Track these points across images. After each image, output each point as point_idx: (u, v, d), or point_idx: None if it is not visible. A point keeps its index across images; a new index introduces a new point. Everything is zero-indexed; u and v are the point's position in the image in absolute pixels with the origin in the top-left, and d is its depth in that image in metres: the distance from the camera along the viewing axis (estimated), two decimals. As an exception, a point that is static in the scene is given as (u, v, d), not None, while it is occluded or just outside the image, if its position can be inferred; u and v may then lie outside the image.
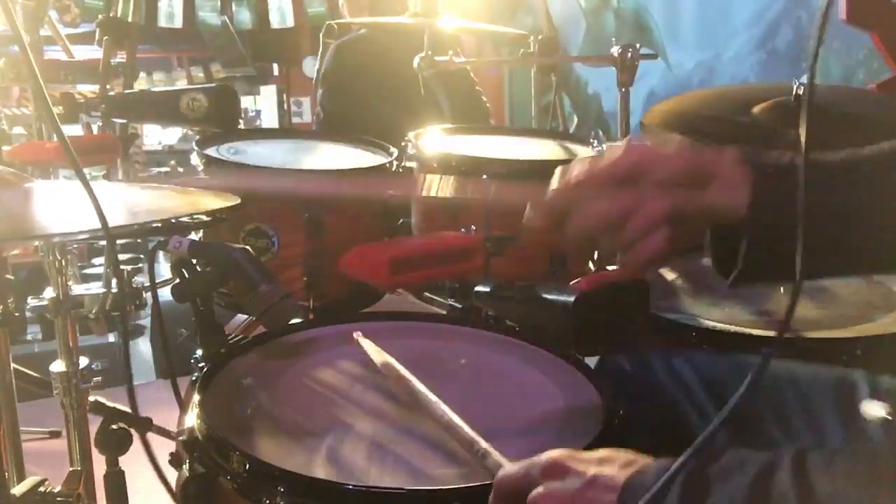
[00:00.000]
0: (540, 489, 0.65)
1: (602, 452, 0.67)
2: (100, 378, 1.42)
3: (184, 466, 0.83)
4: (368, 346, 0.98)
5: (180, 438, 0.82)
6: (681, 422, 0.92)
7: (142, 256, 4.17)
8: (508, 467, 0.70)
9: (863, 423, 0.83)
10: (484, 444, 0.74)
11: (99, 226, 0.77)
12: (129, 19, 1.96)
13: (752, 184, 0.74)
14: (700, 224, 0.79)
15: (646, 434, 0.89)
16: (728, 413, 0.59)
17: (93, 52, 1.87)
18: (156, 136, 5.73)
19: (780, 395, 0.89)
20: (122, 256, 4.09)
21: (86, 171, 0.79)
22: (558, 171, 0.80)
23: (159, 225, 0.99)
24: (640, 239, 0.75)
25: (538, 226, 0.79)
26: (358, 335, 1.00)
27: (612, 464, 0.64)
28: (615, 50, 1.62)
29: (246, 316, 1.50)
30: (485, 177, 1.35)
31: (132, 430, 1.16)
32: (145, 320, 3.87)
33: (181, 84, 5.52)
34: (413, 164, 1.48)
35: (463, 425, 0.78)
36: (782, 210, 0.70)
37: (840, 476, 0.53)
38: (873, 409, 0.84)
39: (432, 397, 0.84)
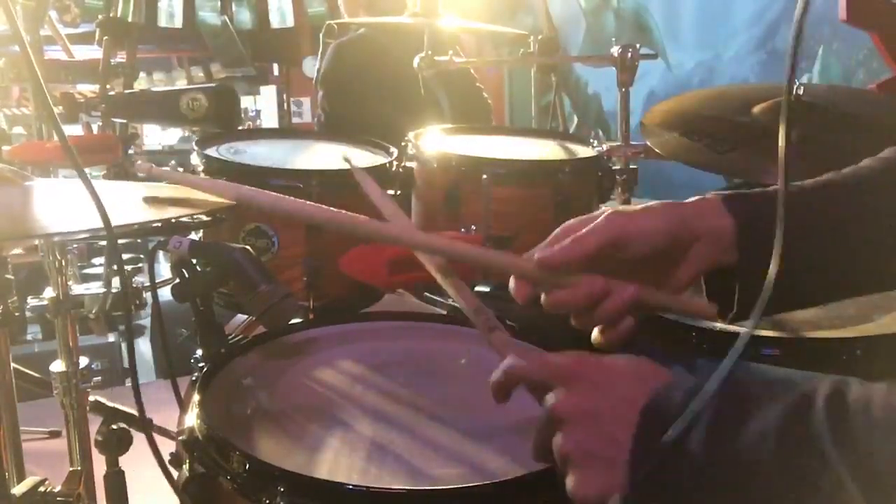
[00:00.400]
0: (558, 396, 0.62)
1: (622, 360, 0.64)
2: (100, 378, 1.42)
3: (184, 466, 0.83)
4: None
5: (180, 438, 0.82)
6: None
7: (142, 256, 4.17)
8: (521, 362, 0.67)
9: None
10: (493, 316, 0.75)
11: (100, 225, 0.77)
12: (129, 19, 1.96)
13: (737, 232, 0.75)
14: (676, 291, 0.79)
15: None
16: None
17: (93, 52, 1.87)
18: (156, 136, 5.73)
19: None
20: (122, 256, 4.08)
21: (86, 171, 0.79)
22: (547, 242, 0.80)
23: (159, 225, 0.99)
24: (607, 326, 0.76)
25: (524, 299, 0.80)
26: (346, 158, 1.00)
27: (633, 376, 0.61)
28: (615, 50, 1.62)
29: (246, 316, 1.50)
30: (485, 177, 1.35)
31: (140, 431, 1.16)
32: (145, 320, 3.87)
33: (181, 84, 5.52)
34: (413, 164, 1.48)
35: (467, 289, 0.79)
36: (769, 251, 0.71)
37: (878, 417, 0.50)
38: None
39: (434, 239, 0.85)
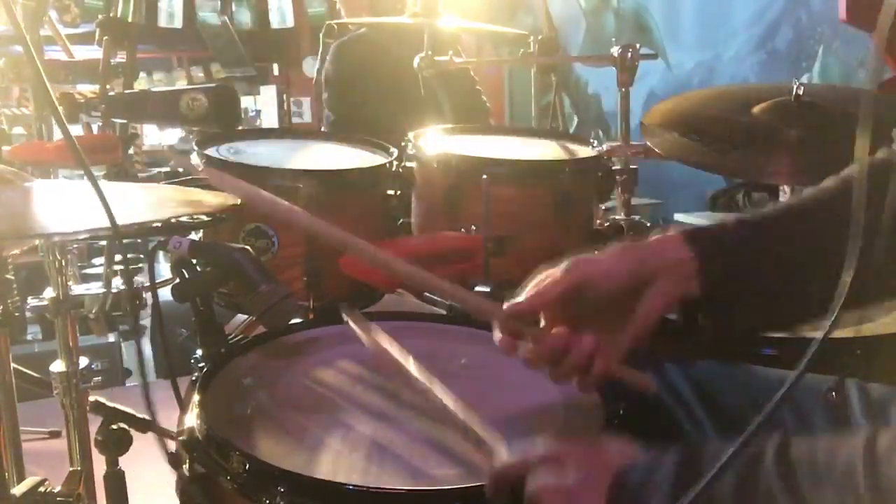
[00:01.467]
0: (537, 482, 0.67)
1: (597, 443, 0.70)
2: (100, 378, 1.42)
3: (184, 466, 0.83)
4: (357, 323, 0.97)
5: (180, 438, 0.82)
6: (675, 429, 0.93)
7: (142, 256, 4.17)
8: (507, 456, 0.72)
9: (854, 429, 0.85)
10: (481, 431, 0.76)
11: (100, 225, 0.77)
12: (129, 19, 1.96)
13: (697, 265, 0.78)
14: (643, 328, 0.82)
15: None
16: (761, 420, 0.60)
17: (93, 52, 1.87)
18: (156, 136, 5.72)
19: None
20: (121, 256, 4.08)
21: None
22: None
23: (160, 224, 0.99)
24: (574, 374, 0.81)
25: (507, 349, 0.83)
26: (346, 316, 0.99)
27: (605, 455, 0.67)
28: (615, 50, 1.62)
29: (246, 316, 1.50)
30: (484, 177, 1.35)
31: (140, 431, 1.16)
32: (145, 320, 3.87)
33: (181, 84, 5.51)
34: (413, 164, 1.48)
35: (458, 412, 0.79)
36: (730, 280, 0.77)
37: (821, 465, 0.55)
38: None
39: (427, 383, 0.85)
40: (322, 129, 2.71)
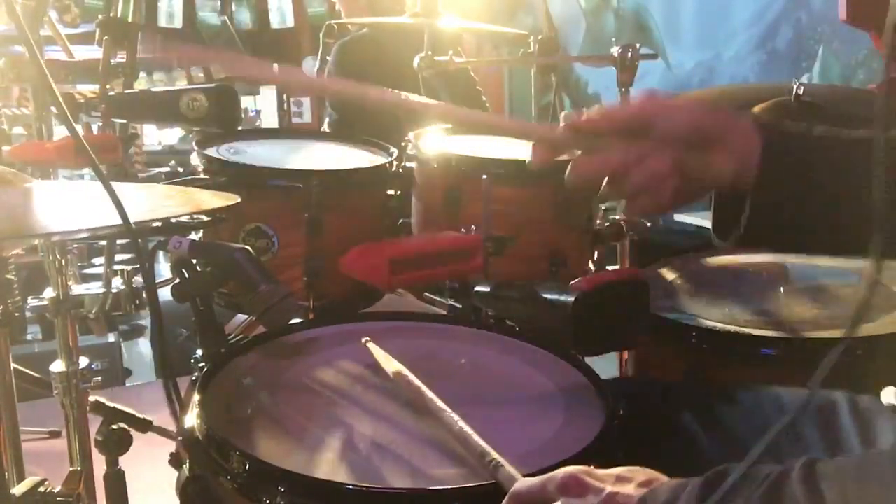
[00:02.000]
0: None
1: (619, 469, 0.66)
2: (100, 378, 1.42)
3: (184, 466, 0.83)
4: (378, 352, 0.97)
5: (180, 438, 0.82)
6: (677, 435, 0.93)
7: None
8: (523, 481, 0.68)
9: (845, 442, 0.86)
10: (495, 454, 0.73)
11: (100, 224, 0.77)
12: (129, 19, 1.95)
13: (761, 153, 0.76)
14: (701, 185, 0.80)
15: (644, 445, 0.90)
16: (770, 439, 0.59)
17: (93, 52, 1.87)
18: (156, 136, 5.72)
19: (765, 417, 0.91)
20: (121, 256, 4.08)
21: (85, 171, 0.79)
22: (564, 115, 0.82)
23: (159, 224, 0.99)
24: (641, 191, 0.77)
25: (541, 162, 0.80)
26: (367, 340, 0.99)
27: (629, 482, 0.64)
28: (615, 50, 1.62)
29: (246, 316, 1.50)
30: (484, 177, 1.35)
31: (140, 431, 1.16)
32: (145, 320, 3.87)
33: (181, 84, 5.51)
34: (413, 164, 1.48)
35: (474, 435, 0.77)
36: (788, 182, 0.73)
37: (850, 484, 0.53)
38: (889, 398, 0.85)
39: (443, 406, 0.83)
40: (324, 128, 2.71)
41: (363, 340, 0.99)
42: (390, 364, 0.93)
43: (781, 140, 0.78)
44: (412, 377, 0.89)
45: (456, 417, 0.80)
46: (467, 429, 0.78)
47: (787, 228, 0.78)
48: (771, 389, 0.95)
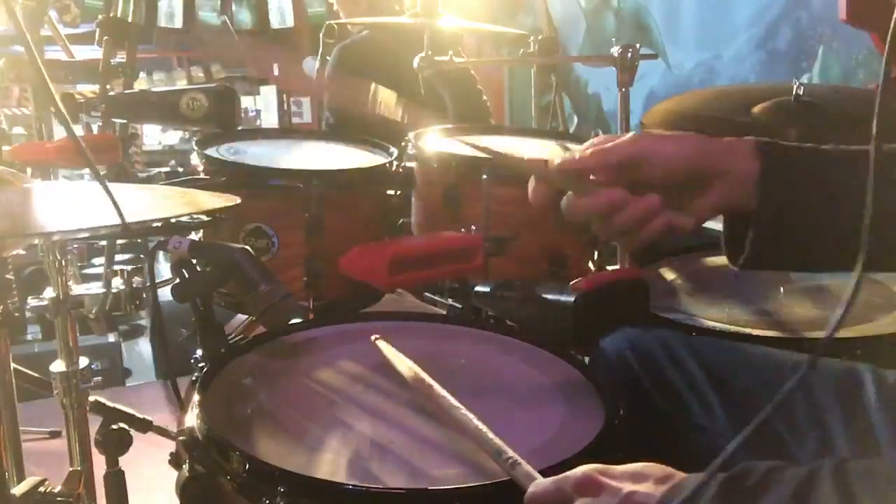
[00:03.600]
0: None
1: (636, 466, 0.65)
2: (100, 378, 1.42)
3: (184, 466, 0.83)
4: (388, 350, 0.96)
5: (180, 438, 0.82)
6: (681, 407, 0.92)
7: (142, 256, 4.17)
8: (537, 484, 0.67)
9: (865, 415, 0.82)
10: (512, 452, 0.72)
11: (100, 224, 0.77)
12: (129, 19, 1.96)
13: (760, 176, 0.75)
14: (697, 218, 0.80)
15: (647, 421, 0.89)
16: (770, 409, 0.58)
17: (93, 52, 1.87)
18: (156, 136, 5.72)
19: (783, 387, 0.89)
20: (121, 256, 4.09)
21: (85, 171, 0.79)
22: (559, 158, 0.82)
23: (160, 224, 0.99)
24: (628, 232, 0.78)
25: (540, 201, 0.81)
26: (376, 338, 0.99)
27: (646, 480, 0.63)
28: (615, 50, 1.62)
29: (246, 316, 1.50)
30: (484, 177, 1.35)
31: (140, 431, 1.16)
32: (145, 320, 3.87)
33: (181, 84, 5.51)
34: (413, 164, 1.48)
35: (489, 433, 0.76)
36: (791, 201, 0.73)
37: (882, 485, 0.52)
38: None
39: (456, 403, 0.82)
40: (323, 129, 2.72)
41: (373, 339, 0.98)
42: (402, 362, 0.92)
43: (783, 159, 0.77)
44: (425, 375, 0.88)
45: (471, 415, 0.79)
46: (482, 426, 0.77)
47: (794, 248, 0.77)
48: (789, 356, 0.93)
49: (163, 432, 1.41)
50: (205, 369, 0.94)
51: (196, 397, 0.86)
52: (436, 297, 1.48)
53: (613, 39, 3.33)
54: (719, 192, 0.77)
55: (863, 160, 0.72)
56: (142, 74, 5.31)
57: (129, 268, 1.42)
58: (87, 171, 0.79)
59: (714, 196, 0.77)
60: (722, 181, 0.77)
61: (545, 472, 0.69)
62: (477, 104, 2.66)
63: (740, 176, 0.76)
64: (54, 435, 2.43)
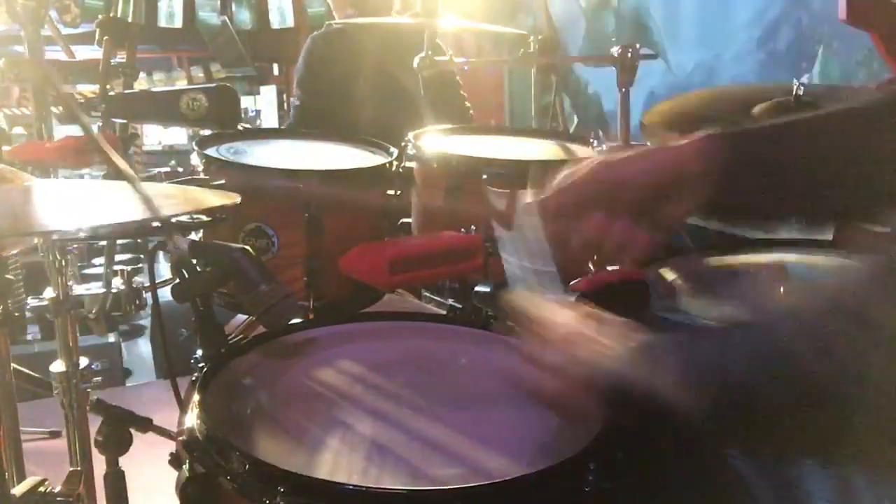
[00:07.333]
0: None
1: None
2: (100, 378, 1.42)
3: (184, 466, 0.83)
4: None
5: (180, 438, 0.82)
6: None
7: (142, 256, 4.17)
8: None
9: None
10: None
11: (100, 223, 0.77)
12: (129, 19, 1.96)
13: (723, 160, 0.77)
14: (675, 222, 0.82)
15: (647, 422, 0.89)
16: None
17: (93, 52, 1.87)
18: (156, 136, 5.72)
19: None
20: (121, 256, 4.09)
21: (85, 171, 0.79)
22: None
23: (159, 224, 0.99)
24: (615, 256, 0.81)
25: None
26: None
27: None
28: (615, 50, 1.62)
29: (246, 316, 1.50)
30: (484, 177, 1.35)
31: (140, 431, 1.16)
32: (145, 320, 3.87)
33: (181, 84, 5.51)
34: (413, 164, 1.48)
35: None
36: (751, 187, 0.77)
37: None
38: None
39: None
40: (290, 117, 2.73)
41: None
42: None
43: (744, 140, 0.80)
44: None
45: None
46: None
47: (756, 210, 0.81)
48: None
49: (163, 432, 1.41)
50: (205, 369, 0.94)
51: (196, 397, 0.86)
52: (436, 297, 1.48)
53: (613, 39, 3.33)
54: (686, 195, 0.79)
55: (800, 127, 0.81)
56: (142, 74, 5.30)
57: (129, 268, 1.42)
58: (87, 170, 0.79)
59: (683, 200, 0.79)
60: (686, 186, 0.78)
61: (545, 472, 0.69)
62: (457, 108, 2.61)
63: (700, 175, 0.78)
64: (54, 435, 2.43)
